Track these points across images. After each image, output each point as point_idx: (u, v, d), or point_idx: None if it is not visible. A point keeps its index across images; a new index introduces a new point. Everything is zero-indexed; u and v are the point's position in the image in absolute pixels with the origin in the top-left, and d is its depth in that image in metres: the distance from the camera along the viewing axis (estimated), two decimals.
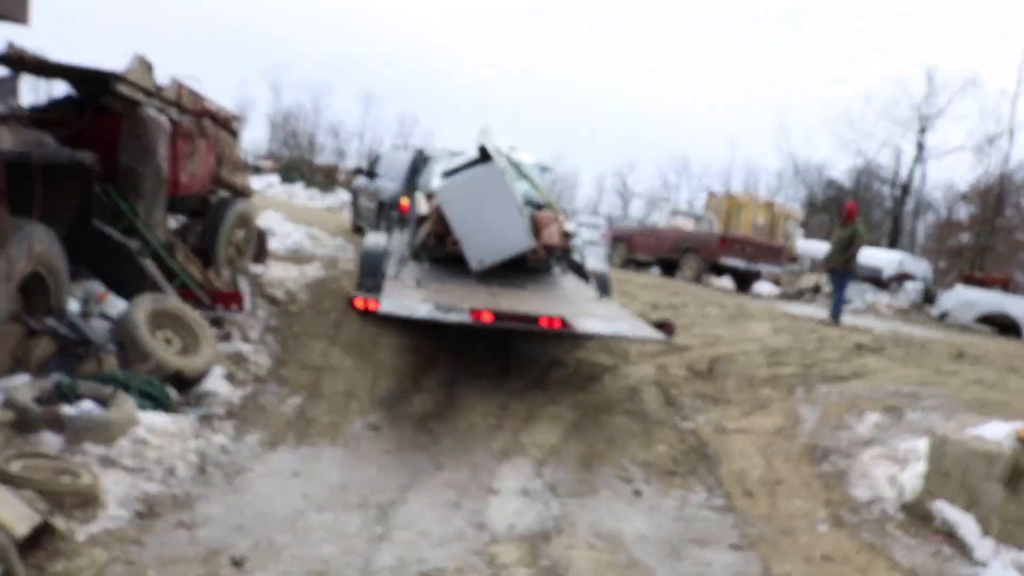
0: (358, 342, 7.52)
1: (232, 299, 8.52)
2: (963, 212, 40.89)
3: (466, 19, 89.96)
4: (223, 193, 11.00)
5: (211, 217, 10.21)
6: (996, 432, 5.40)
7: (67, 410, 4.67)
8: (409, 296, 7.05)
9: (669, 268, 21.13)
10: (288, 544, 3.82)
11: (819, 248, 26.10)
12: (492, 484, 5.03)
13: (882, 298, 21.34)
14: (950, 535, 5.02)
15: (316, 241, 16.98)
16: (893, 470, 6.02)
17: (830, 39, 79.81)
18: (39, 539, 3.24)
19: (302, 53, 76.37)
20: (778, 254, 21.65)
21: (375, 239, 9.97)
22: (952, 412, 7.52)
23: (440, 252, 8.51)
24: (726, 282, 21.31)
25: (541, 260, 8.75)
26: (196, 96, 10.85)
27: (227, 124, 11.38)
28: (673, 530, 4.76)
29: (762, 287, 21.44)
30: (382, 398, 6.51)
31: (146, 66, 8.97)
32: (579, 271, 9.21)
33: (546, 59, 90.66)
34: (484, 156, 8.21)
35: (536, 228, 8.85)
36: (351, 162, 61.70)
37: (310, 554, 3.75)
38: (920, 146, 40.76)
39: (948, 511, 5.16)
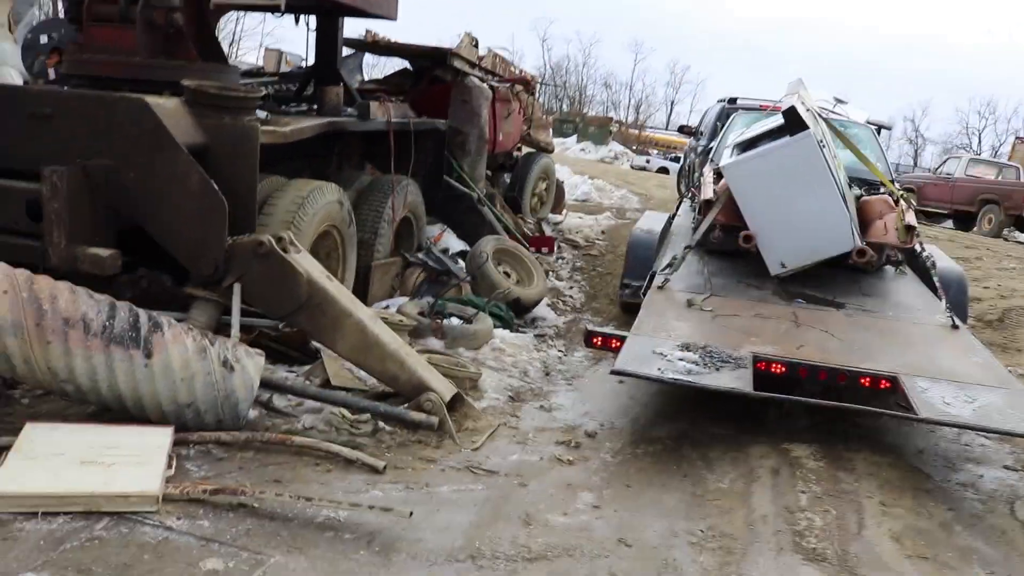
0: None
1: (545, 243, 9.81)
2: None
3: None
4: (526, 148, 12.36)
5: (519, 170, 11.59)
6: None
7: (444, 323, 6.05)
8: (669, 327, 5.25)
9: (964, 221, 20.14)
10: (625, 426, 4.89)
11: None
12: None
13: None
14: None
15: (602, 192, 18.12)
16: None
17: None
18: (454, 404, 4.50)
19: (570, 5, 77.68)
20: None
21: (649, 222, 8.26)
22: None
23: (729, 247, 6.59)
24: None
25: (869, 264, 6.45)
26: (507, 64, 12.23)
27: (532, 87, 12.69)
28: (950, 449, 5.31)
29: None
30: None
31: (472, 41, 10.37)
32: (924, 275, 6.77)
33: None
34: (793, 123, 6.18)
35: (864, 219, 6.68)
36: (624, 115, 62.65)
37: (644, 434, 4.80)
38: None
39: None
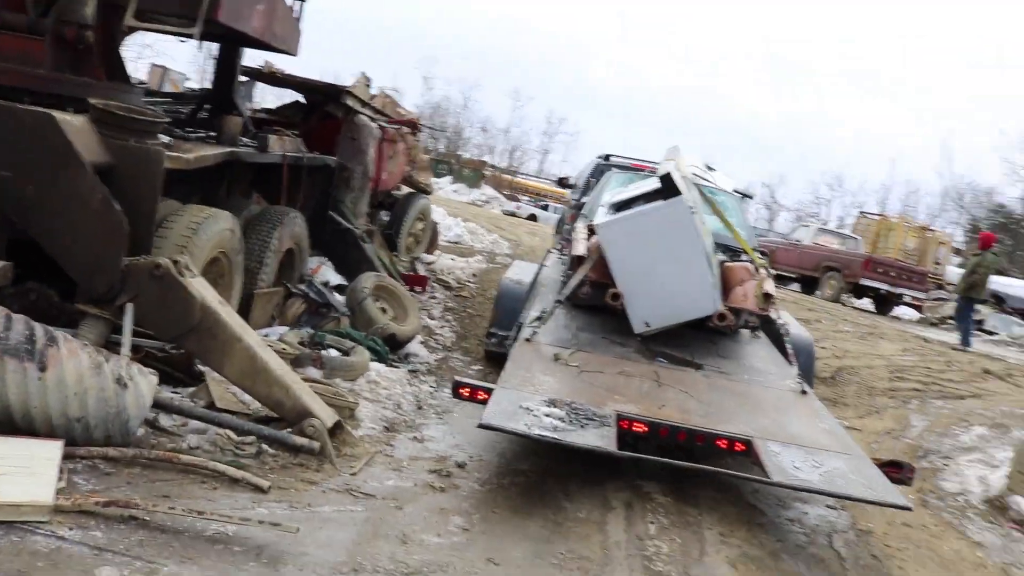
0: None
1: (419, 281, 10.13)
2: None
3: (613, 25, 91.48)
4: (406, 188, 12.69)
5: (398, 209, 11.90)
6: None
7: (323, 354, 6.27)
8: (535, 381, 5.33)
9: (809, 285, 21.64)
10: (493, 459, 5.25)
11: None
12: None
13: None
14: (1022, 523, 5.97)
15: (474, 235, 18.57)
16: (985, 472, 6.93)
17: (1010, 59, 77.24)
18: (333, 431, 4.75)
19: (456, 48, 78.81)
20: (923, 279, 21.65)
21: (518, 272, 8.42)
22: None
23: (597, 302, 6.73)
24: (866, 304, 21.72)
25: (727, 327, 6.81)
26: (396, 105, 12.58)
27: (417, 130, 13.09)
28: (781, 490, 5.90)
29: (903, 311, 21.71)
30: None
31: (366, 81, 10.69)
32: (777, 341, 7.07)
33: (694, 67, 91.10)
34: (668, 188, 6.36)
35: (726, 284, 6.94)
36: (498, 159, 63.82)
37: (510, 467, 5.16)
38: None
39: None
